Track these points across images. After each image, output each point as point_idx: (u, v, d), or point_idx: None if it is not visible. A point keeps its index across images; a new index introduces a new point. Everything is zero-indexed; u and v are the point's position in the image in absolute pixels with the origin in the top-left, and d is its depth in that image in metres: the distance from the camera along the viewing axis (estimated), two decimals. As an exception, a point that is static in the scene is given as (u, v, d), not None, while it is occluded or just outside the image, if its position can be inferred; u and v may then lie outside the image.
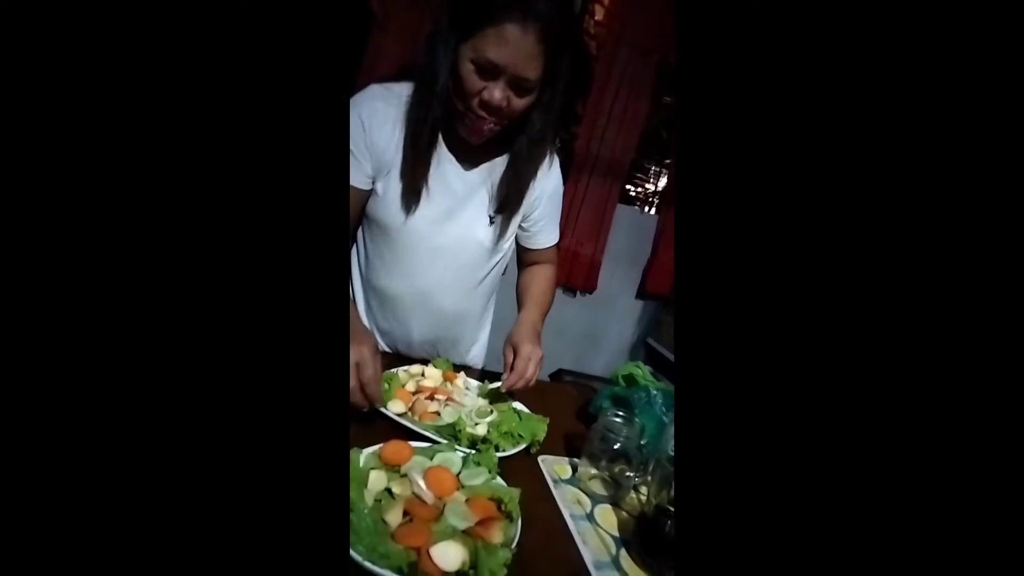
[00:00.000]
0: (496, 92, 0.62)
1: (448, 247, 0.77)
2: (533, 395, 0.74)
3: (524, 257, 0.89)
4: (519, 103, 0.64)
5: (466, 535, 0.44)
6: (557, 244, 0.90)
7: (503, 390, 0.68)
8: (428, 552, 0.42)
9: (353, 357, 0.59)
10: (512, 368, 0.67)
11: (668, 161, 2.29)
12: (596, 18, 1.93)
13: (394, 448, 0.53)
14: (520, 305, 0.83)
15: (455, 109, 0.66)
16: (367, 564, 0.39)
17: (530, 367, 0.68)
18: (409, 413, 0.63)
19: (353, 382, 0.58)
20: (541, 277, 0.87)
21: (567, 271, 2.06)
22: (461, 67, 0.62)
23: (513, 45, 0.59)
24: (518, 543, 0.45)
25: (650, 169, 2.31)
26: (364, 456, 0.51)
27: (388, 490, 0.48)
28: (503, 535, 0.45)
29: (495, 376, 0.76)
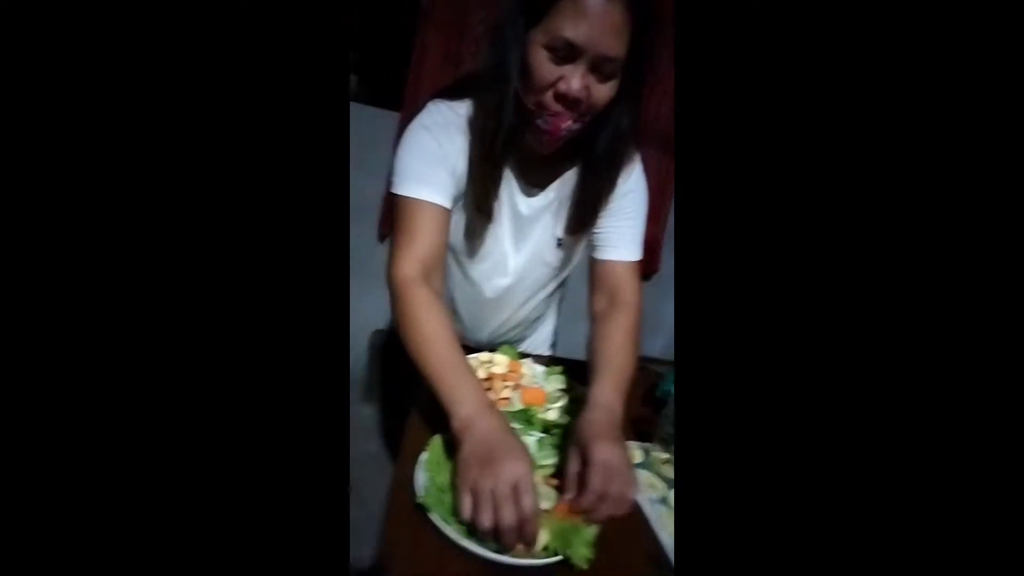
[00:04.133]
0: (574, 81, 0.52)
1: (515, 271, 0.73)
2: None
3: (594, 275, 0.72)
4: (602, 92, 0.54)
5: (548, 515, 0.47)
6: (640, 267, 0.72)
7: (567, 503, 0.47)
8: (515, 531, 0.44)
9: (509, 475, 0.42)
10: (585, 482, 0.46)
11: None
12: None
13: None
14: (590, 371, 0.61)
15: (525, 111, 0.57)
16: (463, 542, 0.42)
17: (613, 482, 0.46)
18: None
19: (510, 518, 0.41)
20: (616, 331, 0.65)
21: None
22: (532, 57, 0.53)
23: (594, 18, 0.49)
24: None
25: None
26: (446, 441, 0.54)
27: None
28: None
29: (562, 362, 0.77)
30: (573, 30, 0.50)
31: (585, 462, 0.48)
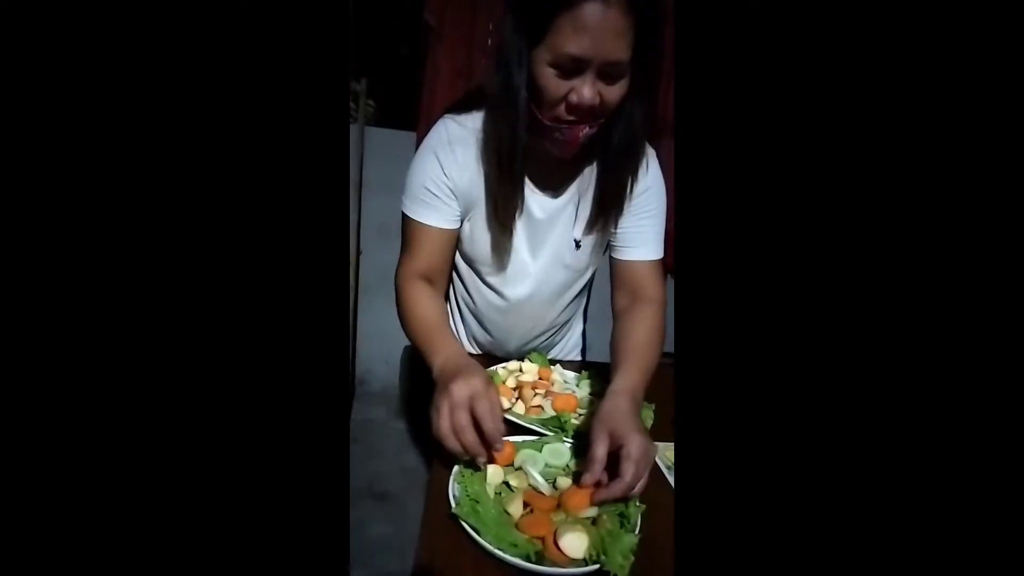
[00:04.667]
0: (585, 91, 0.53)
1: (534, 276, 0.73)
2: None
3: (616, 275, 0.72)
4: (612, 93, 0.54)
5: (587, 522, 0.45)
6: (662, 265, 0.71)
7: (595, 500, 0.46)
8: (553, 540, 0.43)
9: (461, 391, 0.48)
10: (619, 472, 0.46)
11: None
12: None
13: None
14: (613, 364, 0.61)
15: (540, 125, 0.58)
16: (498, 552, 0.41)
17: (641, 471, 0.46)
18: (514, 408, 0.65)
19: (463, 419, 0.47)
20: (640, 325, 0.64)
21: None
22: (539, 75, 0.54)
23: (595, 28, 0.49)
24: (640, 529, 0.45)
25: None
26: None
27: (506, 483, 0.51)
28: (623, 521, 0.46)
29: (594, 366, 0.76)
30: (576, 45, 0.50)
31: (618, 453, 0.47)
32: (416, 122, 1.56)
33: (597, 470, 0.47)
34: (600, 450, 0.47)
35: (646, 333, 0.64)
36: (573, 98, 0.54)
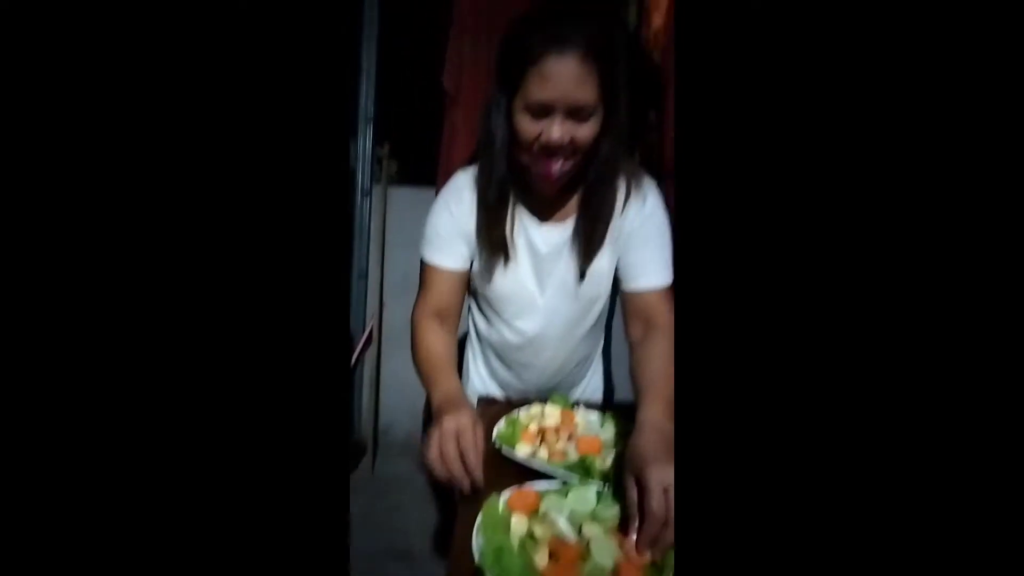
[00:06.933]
0: (554, 130, 0.61)
1: (544, 308, 0.77)
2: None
3: (627, 306, 0.75)
4: (583, 133, 0.62)
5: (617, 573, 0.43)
6: (671, 293, 0.72)
7: (637, 550, 0.45)
8: (581, 593, 0.41)
9: (450, 425, 0.54)
10: (642, 512, 0.45)
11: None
12: (655, 26, 1.88)
13: (518, 497, 0.53)
14: (636, 396, 0.62)
15: (521, 165, 0.66)
16: (524, 606, 0.40)
17: (668, 503, 0.44)
18: (537, 454, 0.64)
19: (451, 450, 0.53)
20: (657, 355, 0.65)
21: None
22: (516, 120, 0.63)
23: (556, 77, 0.58)
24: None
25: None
26: (503, 500, 0.52)
27: (531, 533, 0.49)
28: (654, 571, 0.43)
29: (618, 407, 0.74)
30: (541, 92, 0.60)
31: (641, 489, 0.46)
32: (436, 178, 1.64)
33: (632, 512, 0.47)
34: (631, 493, 0.47)
35: (665, 362, 0.64)
36: (543, 137, 0.62)
